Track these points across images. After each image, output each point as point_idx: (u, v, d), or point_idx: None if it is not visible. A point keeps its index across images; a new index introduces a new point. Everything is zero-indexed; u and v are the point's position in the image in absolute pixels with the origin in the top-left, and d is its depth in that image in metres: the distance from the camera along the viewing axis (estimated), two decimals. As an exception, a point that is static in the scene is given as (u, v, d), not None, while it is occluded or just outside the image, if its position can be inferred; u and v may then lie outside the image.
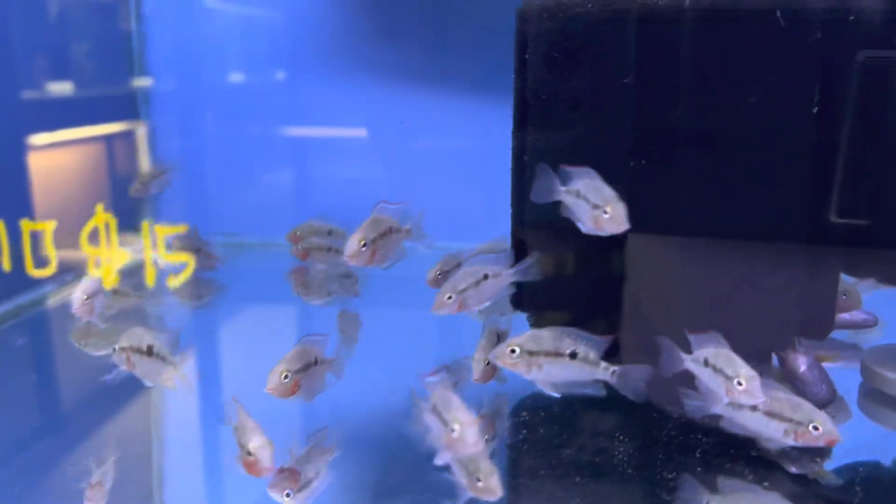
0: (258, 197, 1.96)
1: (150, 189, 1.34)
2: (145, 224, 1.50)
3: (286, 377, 0.85)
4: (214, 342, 1.47)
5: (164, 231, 1.47)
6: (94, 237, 1.48)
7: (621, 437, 0.90)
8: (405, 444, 0.83)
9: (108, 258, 1.43)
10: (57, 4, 1.70)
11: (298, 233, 1.26)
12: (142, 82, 1.85)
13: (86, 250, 1.45)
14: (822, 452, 0.93)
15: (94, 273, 1.44)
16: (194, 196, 1.97)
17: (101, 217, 1.45)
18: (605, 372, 0.74)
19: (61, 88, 1.68)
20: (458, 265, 1.22)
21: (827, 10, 0.83)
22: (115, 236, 1.50)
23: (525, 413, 0.97)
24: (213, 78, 1.89)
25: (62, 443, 1.07)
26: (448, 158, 1.75)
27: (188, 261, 1.36)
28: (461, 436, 0.67)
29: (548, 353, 0.75)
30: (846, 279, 1.04)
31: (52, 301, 1.59)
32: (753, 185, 0.88)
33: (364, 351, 1.20)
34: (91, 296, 1.09)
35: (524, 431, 0.93)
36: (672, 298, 1.00)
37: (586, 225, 0.77)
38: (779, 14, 0.82)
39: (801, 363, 0.95)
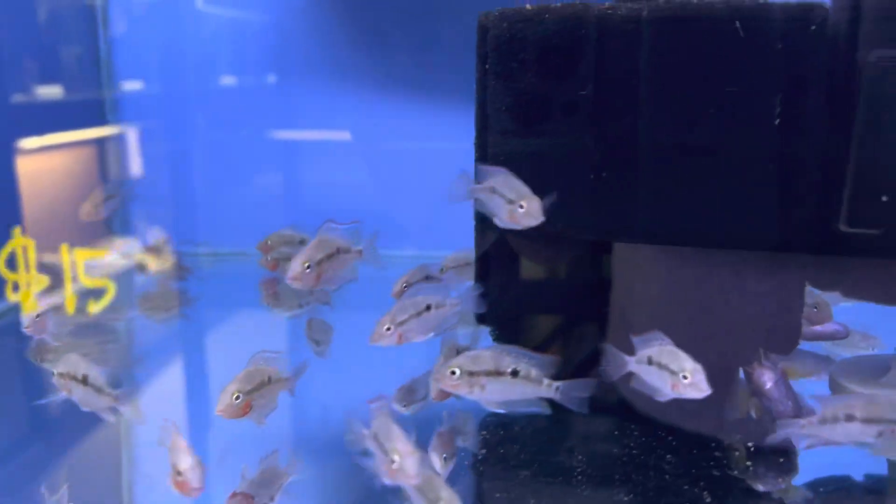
0: (236, 206, 1.94)
1: (102, 212, 1.32)
2: (63, 248, 1.47)
3: (237, 398, 0.83)
4: (188, 353, 1.44)
5: (84, 255, 1.44)
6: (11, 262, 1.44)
7: (580, 457, 0.88)
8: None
9: (26, 282, 1.39)
10: (24, 10, 1.67)
11: (269, 242, 1.23)
12: (111, 89, 1.83)
13: (4, 275, 1.41)
14: (788, 469, 0.92)
15: (12, 296, 1.41)
16: (175, 204, 1.95)
17: (19, 241, 1.41)
18: (549, 389, 0.75)
19: (31, 94, 1.66)
20: (427, 277, 1.21)
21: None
22: (33, 260, 1.46)
23: (485, 431, 0.95)
24: (185, 83, 1.87)
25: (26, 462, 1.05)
26: (434, 162, 1.74)
27: (109, 286, 1.33)
28: (401, 467, 0.67)
29: (489, 373, 0.75)
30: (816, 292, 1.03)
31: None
32: (712, 192, 0.86)
33: (337, 360, 1.19)
34: (42, 313, 1.06)
35: (483, 451, 0.91)
36: (642, 309, 0.98)
37: (503, 220, 0.80)
38: (738, 24, 0.81)
39: (767, 379, 0.93)
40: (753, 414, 0.99)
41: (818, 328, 1.08)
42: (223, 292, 1.76)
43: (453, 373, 0.75)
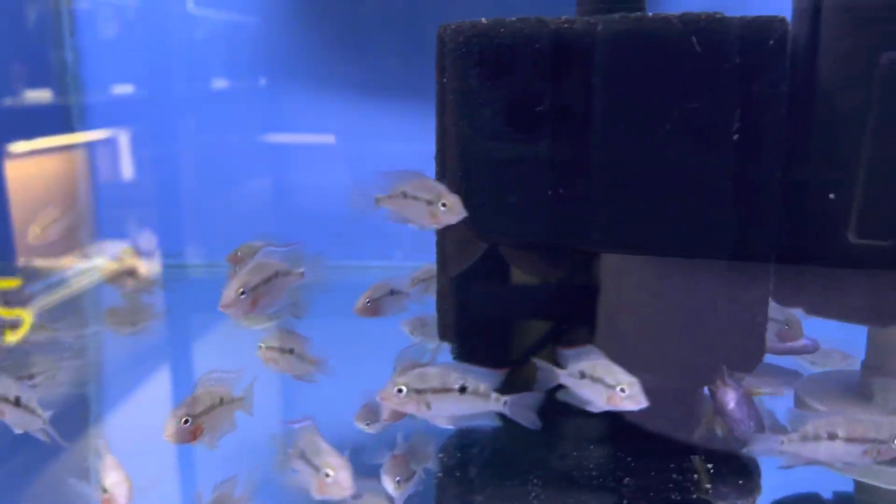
0: (219, 216, 1.92)
1: (50, 235, 1.30)
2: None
3: (186, 422, 0.81)
4: (151, 368, 1.42)
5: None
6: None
7: (535, 481, 0.87)
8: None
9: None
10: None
11: (239, 254, 1.21)
12: (78, 96, 1.80)
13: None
14: (751, 490, 0.90)
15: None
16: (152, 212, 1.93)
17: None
18: (497, 403, 0.75)
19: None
20: (391, 292, 1.19)
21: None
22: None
23: (442, 454, 0.93)
24: (156, 90, 1.85)
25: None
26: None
27: (25, 317, 1.30)
28: (335, 480, 0.68)
29: (435, 390, 0.75)
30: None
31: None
32: (664, 203, 0.85)
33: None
34: None
35: (439, 475, 0.89)
36: (609, 322, 0.96)
37: (423, 222, 0.80)
38: (694, 40, 0.79)
39: (730, 399, 0.91)
40: (719, 432, 0.98)
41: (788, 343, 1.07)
42: (195, 305, 1.74)
43: (400, 390, 0.74)
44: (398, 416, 0.86)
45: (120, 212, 1.90)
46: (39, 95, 1.75)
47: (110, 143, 1.86)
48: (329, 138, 1.86)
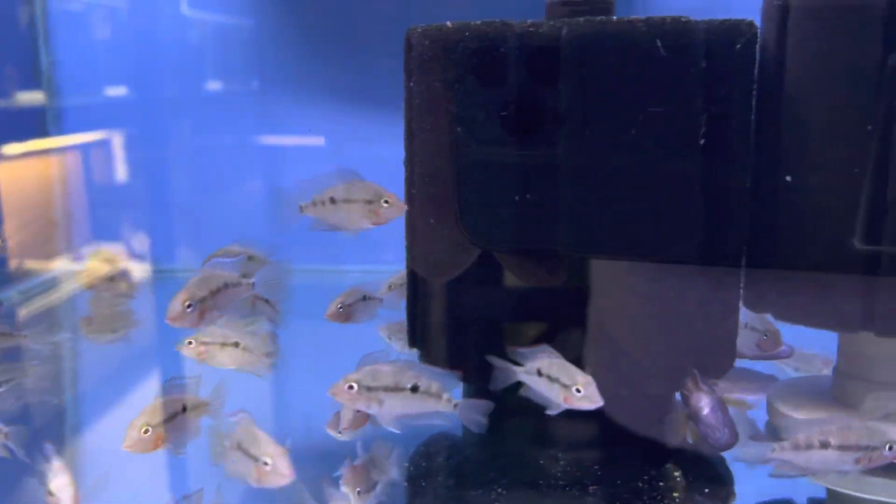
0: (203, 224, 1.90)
1: (13, 246, 1.28)
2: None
3: (146, 431, 0.80)
4: (121, 377, 1.40)
5: None
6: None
7: (500, 490, 0.85)
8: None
9: None
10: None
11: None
12: (51, 98, 1.79)
13: None
14: (724, 497, 0.90)
15: None
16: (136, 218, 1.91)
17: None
18: (448, 404, 0.75)
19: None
20: (364, 298, 1.18)
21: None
22: None
23: (407, 463, 0.92)
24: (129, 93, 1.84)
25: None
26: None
27: None
28: (274, 467, 0.69)
29: (387, 388, 0.74)
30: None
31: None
32: (630, 206, 0.84)
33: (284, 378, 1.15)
34: None
35: (404, 483, 0.88)
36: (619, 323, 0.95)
37: (358, 225, 0.80)
38: (659, 44, 0.79)
39: (704, 405, 0.90)
40: (690, 439, 0.97)
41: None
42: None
43: (351, 387, 0.74)
44: (358, 423, 0.85)
45: (109, 215, 1.88)
46: (22, 98, 1.74)
47: (90, 147, 1.85)
48: (319, 140, 1.85)
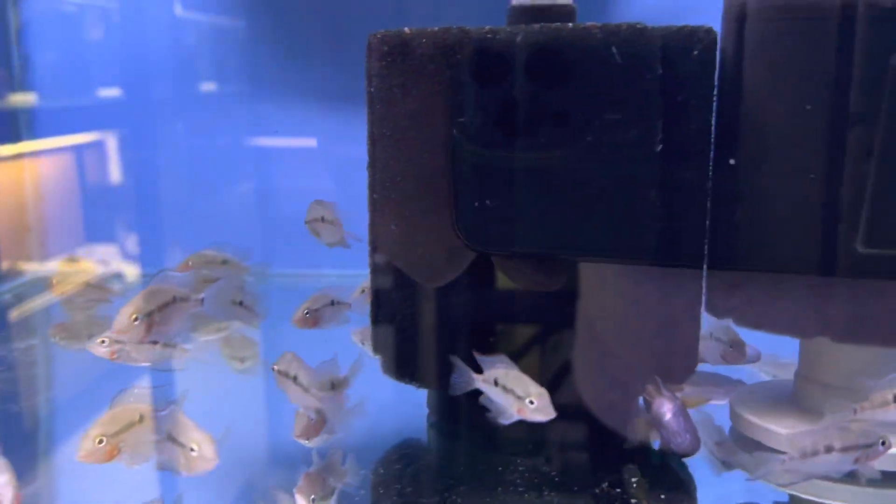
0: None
1: None
2: None
3: (100, 442, 0.79)
4: (88, 384, 1.38)
5: None
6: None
7: (457, 499, 0.85)
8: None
9: None
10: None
11: (190, 263, 1.18)
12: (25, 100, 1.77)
13: None
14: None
15: None
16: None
17: None
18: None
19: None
20: (332, 303, 1.17)
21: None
22: None
23: (364, 470, 0.91)
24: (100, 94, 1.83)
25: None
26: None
27: None
28: (201, 453, 0.73)
29: None
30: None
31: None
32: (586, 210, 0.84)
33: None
34: None
35: (362, 491, 0.87)
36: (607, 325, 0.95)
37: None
38: (615, 51, 0.78)
39: (667, 410, 0.90)
40: (655, 444, 0.97)
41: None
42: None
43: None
44: (313, 431, 0.85)
45: (99, 218, 1.87)
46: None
47: (78, 149, 1.84)
48: (311, 142, 1.84)
